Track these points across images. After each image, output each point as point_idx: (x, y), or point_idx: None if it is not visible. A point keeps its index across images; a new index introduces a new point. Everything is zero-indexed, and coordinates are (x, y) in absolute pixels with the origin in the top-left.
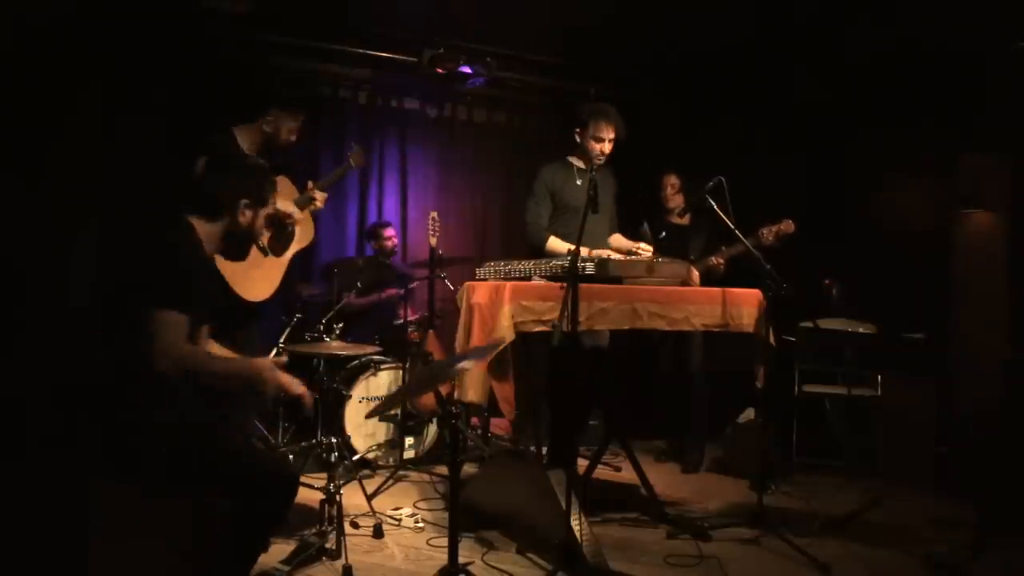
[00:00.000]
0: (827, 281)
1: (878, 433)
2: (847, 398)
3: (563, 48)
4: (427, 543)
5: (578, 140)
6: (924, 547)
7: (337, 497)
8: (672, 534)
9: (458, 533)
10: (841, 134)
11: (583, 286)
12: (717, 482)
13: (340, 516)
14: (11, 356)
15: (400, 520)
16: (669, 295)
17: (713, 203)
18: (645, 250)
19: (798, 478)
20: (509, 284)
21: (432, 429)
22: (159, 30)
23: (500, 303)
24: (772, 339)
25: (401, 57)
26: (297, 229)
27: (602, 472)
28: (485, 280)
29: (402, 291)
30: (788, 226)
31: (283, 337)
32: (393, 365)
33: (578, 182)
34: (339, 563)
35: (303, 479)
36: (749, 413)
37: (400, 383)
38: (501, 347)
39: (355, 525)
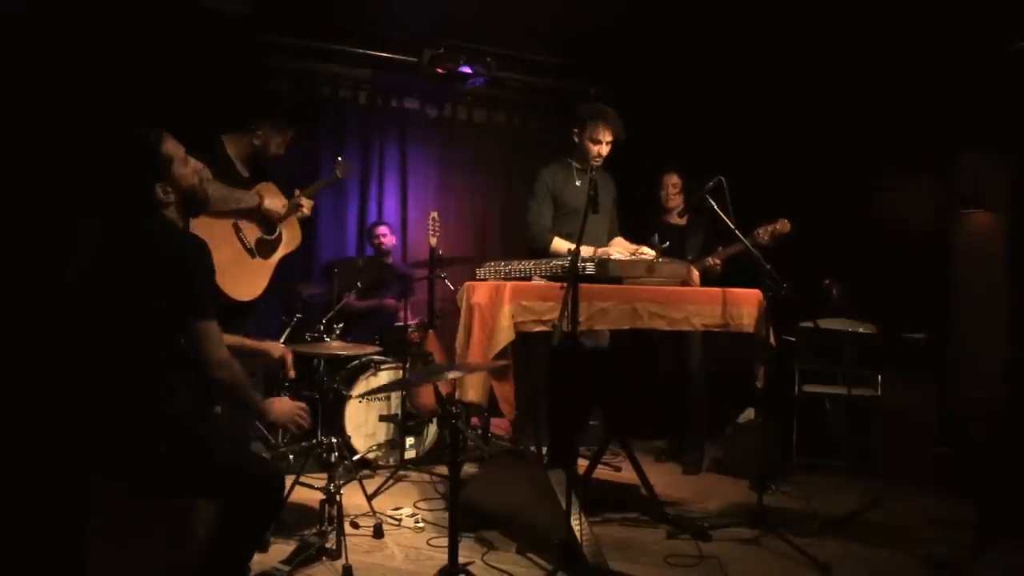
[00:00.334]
0: (827, 281)
1: (878, 433)
2: (847, 398)
3: (563, 48)
4: (427, 543)
5: (576, 140)
6: (924, 547)
7: (337, 497)
8: (672, 534)
9: (458, 533)
10: (841, 134)
11: (583, 286)
12: (717, 482)
13: (340, 516)
14: (11, 356)
15: (400, 520)
16: (669, 295)
17: (713, 203)
18: (647, 254)
19: (798, 478)
20: (509, 284)
21: (432, 429)
22: (159, 30)
23: (500, 303)
24: (772, 339)
25: (401, 57)
26: (284, 233)
27: (602, 472)
28: (485, 280)
29: (401, 302)
30: (784, 226)
31: (283, 337)
32: (393, 365)
33: (577, 183)
34: (339, 563)
35: (303, 479)
36: (749, 413)
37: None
38: (501, 348)
39: (355, 525)
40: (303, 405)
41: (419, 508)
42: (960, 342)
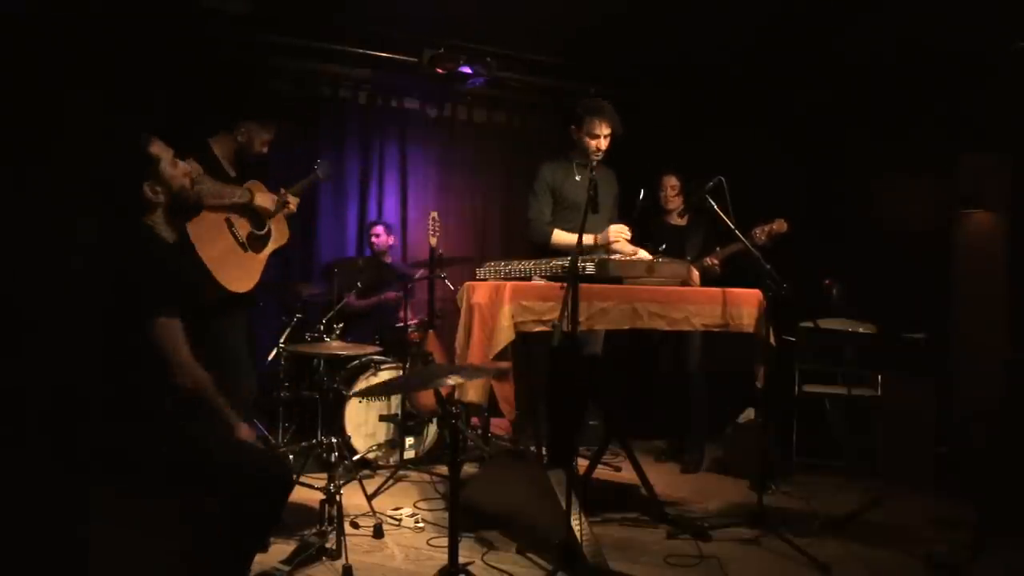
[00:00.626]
0: (827, 281)
1: (878, 433)
2: (847, 398)
3: (563, 48)
4: (427, 543)
5: (574, 137)
6: (924, 547)
7: (337, 497)
8: (672, 534)
9: (458, 533)
10: (841, 134)
11: (583, 286)
12: (717, 482)
13: (340, 516)
14: (11, 357)
15: (400, 520)
16: (669, 295)
17: (713, 203)
18: (645, 257)
19: (798, 478)
20: (509, 284)
21: (432, 429)
22: (159, 30)
23: (500, 303)
24: (772, 339)
25: (401, 57)
26: (274, 229)
27: (602, 472)
28: (485, 280)
29: (401, 294)
30: (780, 225)
31: (283, 337)
32: (393, 365)
33: (577, 178)
34: (339, 563)
35: (303, 479)
36: (749, 413)
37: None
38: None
39: (355, 525)
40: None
41: (419, 508)
42: (960, 342)
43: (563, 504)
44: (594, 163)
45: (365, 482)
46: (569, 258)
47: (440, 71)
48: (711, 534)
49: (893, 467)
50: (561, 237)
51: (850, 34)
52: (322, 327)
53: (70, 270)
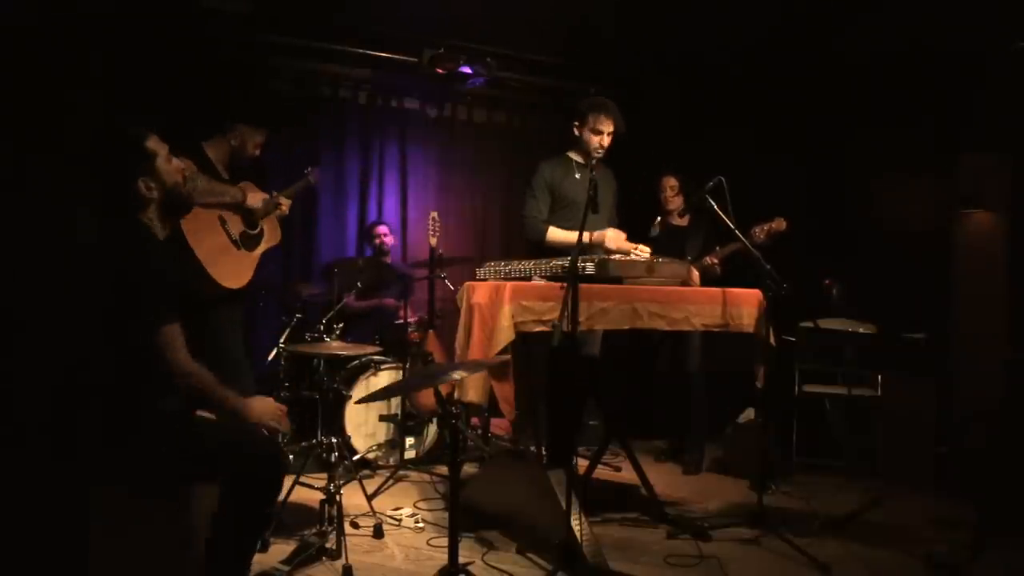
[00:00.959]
0: (827, 281)
1: (878, 433)
2: (847, 398)
3: (563, 48)
4: (427, 543)
5: (577, 134)
6: (924, 547)
7: (337, 497)
8: (672, 534)
9: (458, 533)
10: (841, 134)
11: (583, 286)
12: (717, 482)
13: (340, 516)
14: (11, 357)
15: (400, 520)
16: (669, 295)
17: (713, 203)
18: (643, 251)
19: (798, 478)
20: (509, 284)
21: (432, 429)
22: (159, 30)
23: (500, 303)
24: (772, 339)
25: (401, 57)
26: (266, 229)
27: (602, 472)
28: (485, 280)
29: (401, 302)
30: (780, 224)
31: (283, 337)
32: (393, 365)
33: (577, 176)
34: (339, 563)
35: (303, 479)
36: (749, 413)
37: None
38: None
39: (355, 525)
40: (284, 408)
41: (419, 508)
42: (960, 342)
43: (563, 504)
44: (594, 161)
45: (365, 482)
46: (569, 258)
47: (440, 71)
48: (711, 534)
49: (893, 467)
50: (556, 235)
51: (850, 34)
52: (322, 327)
53: (70, 270)
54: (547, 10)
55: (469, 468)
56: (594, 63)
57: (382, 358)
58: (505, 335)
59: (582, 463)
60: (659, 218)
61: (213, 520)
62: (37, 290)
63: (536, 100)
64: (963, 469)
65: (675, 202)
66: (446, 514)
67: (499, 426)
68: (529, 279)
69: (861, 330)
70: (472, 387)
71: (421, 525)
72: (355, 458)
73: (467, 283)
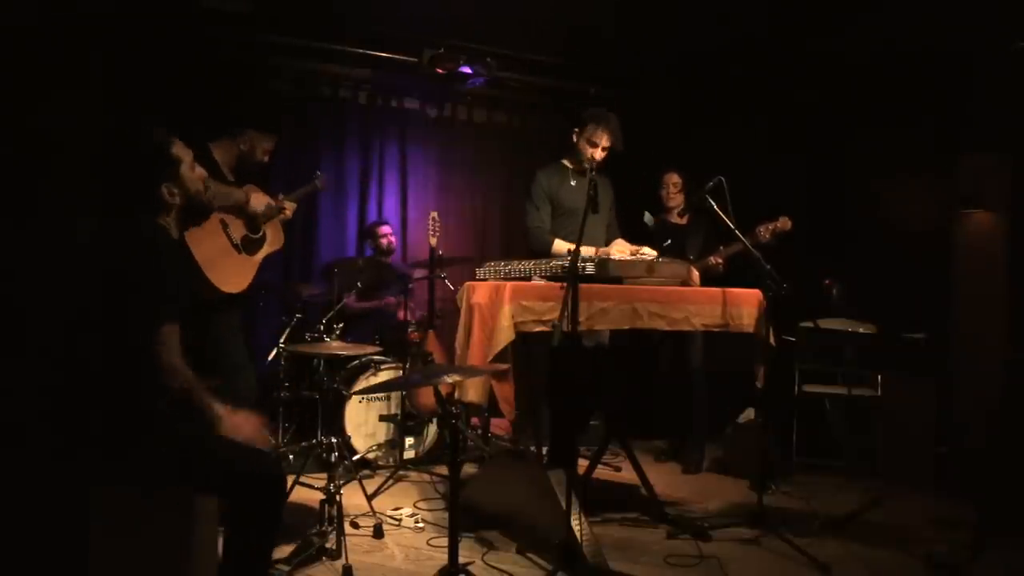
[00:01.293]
0: (827, 281)
1: (878, 433)
2: (847, 398)
3: (563, 48)
4: (427, 543)
5: (574, 139)
6: (924, 547)
7: (337, 497)
8: (672, 534)
9: (458, 533)
10: (841, 134)
11: (583, 286)
12: (717, 482)
13: (340, 516)
14: (11, 357)
15: (400, 520)
16: (669, 295)
17: (713, 203)
18: (648, 254)
19: (798, 478)
20: (509, 284)
21: (432, 429)
22: (159, 30)
23: (500, 303)
24: (772, 339)
25: (401, 57)
26: (268, 233)
27: (602, 472)
28: (485, 280)
29: (401, 300)
30: (785, 223)
31: (283, 337)
32: (393, 365)
33: (572, 183)
34: (339, 563)
35: (303, 479)
36: (749, 413)
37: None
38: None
39: (355, 525)
40: (263, 426)
41: (419, 508)
42: (960, 342)
43: (563, 504)
44: (592, 168)
45: (365, 482)
46: (569, 258)
47: (440, 71)
48: (711, 534)
49: (893, 467)
50: (562, 247)
51: (850, 34)
52: (322, 327)
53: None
54: (547, 10)
55: (469, 468)
56: (594, 63)
57: (382, 358)
58: (505, 335)
59: (582, 463)
60: (652, 214)
61: (224, 543)
62: (37, 290)
63: (536, 100)
64: (963, 469)
65: (676, 199)
66: (446, 514)
67: (499, 426)
68: (529, 279)
69: (861, 330)
70: (472, 387)
71: (421, 525)
72: (355, 458)
73: (467, 283)
